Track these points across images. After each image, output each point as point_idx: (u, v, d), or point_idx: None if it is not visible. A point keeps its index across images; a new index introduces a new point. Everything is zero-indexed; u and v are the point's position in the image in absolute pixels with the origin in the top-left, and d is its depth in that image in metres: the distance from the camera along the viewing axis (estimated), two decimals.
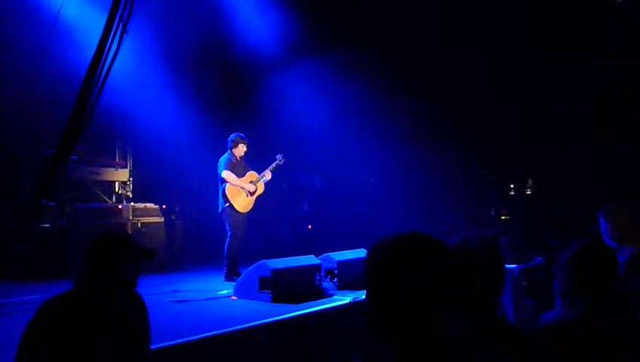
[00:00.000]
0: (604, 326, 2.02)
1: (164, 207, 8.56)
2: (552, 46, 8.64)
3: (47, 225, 7.47)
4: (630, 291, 3.56)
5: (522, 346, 1.80)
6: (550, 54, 8.73)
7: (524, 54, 9.00)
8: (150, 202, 8.38)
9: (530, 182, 10.66)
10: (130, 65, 8.01)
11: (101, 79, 4.87)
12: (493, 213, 10.52)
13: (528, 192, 10.69)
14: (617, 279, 2.23)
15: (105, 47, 4.83)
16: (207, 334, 4.04)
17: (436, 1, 9.19)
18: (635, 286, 3.59)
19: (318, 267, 5.99)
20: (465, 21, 9.13)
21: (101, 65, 4.82)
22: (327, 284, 6.13)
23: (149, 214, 8.16)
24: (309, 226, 10.06)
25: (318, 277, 5.95)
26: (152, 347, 3.35)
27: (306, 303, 5.23)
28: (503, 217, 10.39)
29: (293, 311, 4.87)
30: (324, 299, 5.57)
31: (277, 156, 7.40)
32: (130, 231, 7.50)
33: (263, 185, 7.23)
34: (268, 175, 7.26)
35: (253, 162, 7.35)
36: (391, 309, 1.31)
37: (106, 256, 2.49)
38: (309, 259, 6.07)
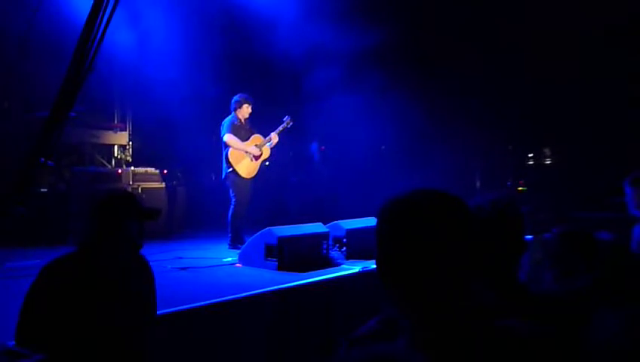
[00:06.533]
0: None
1: (165, 171, 8.23)
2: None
3: (45, 190, 7.25)
4: None
5: (545, 313, 1.68)
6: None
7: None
8: (151, 167, 8.04)
9: (547, 151, 10.23)
10: (132, 23, 7.61)
11: (99, 35, 4.54)
12: (510, 184, 10.11)
13: (548, 162, 10.27)
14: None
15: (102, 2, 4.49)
16: (213, 301, 3.93)
17: None
18: None
19: (326, 235, 5.75)
20: None
21: (98, 21, 4.49)
22: (335, 253, 5.88)
23: (149, 179, 7.82)
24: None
25: (325, 246, 5.72)
26: (158, 312, 3.15)
27: (313, 272, 5.05)
28: (520, 188, 9.99)
29: (299, 280, 4.70)
30: (332, 268, 5.36)
31: (284, 118, 6.96)
32: None
33: (269, 149, 6.83)
34: (275, 138, 6.83)
35: (262, 125, 6.95)
36: (407, 275, 1.16)
37: (110, 215, 2.43)
38: (317, 227, 5.80)
